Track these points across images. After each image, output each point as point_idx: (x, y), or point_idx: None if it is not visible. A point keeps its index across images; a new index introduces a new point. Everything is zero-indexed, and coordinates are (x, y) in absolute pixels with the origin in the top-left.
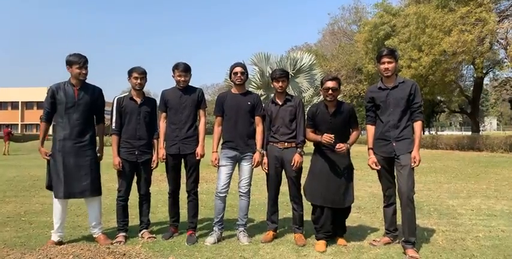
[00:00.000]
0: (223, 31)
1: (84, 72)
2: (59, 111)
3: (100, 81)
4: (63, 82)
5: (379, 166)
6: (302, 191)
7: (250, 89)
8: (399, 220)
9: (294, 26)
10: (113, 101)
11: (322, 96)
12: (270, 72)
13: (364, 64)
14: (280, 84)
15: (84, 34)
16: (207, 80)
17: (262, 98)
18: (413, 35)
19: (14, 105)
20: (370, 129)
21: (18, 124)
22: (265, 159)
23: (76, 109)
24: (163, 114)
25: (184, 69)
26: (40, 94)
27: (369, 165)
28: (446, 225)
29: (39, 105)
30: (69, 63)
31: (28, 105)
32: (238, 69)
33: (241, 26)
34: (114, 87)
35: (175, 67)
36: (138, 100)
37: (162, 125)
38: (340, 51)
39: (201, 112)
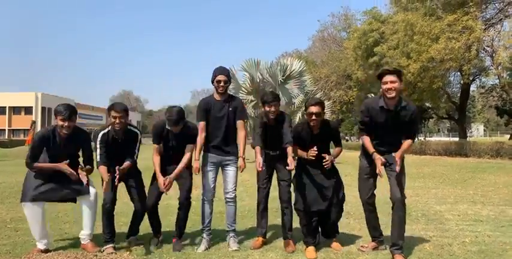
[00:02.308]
0: (212, 36)
1: (66, 124)
2: (44, 154)
3: (95, 79)
4: (51, 128)
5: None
6: (294, 206)
7: (240, 95)
8: (383, 226)
9: (284, 33)
10: (97, 136)
11: None
12: (261, 77)
13: (354, 70)
14: (272, 108)
15: (74, 36)
16: (197, 85)
17: (252, 104)
18: (401, 42)
19: (1, 110)
20: (367, 138)
21: (5, 129)
22: (259, 158)
23: (61, 156)
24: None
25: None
26: (28, 99)
27: (379, 170)
28: (434, 231)
29: (26, 110)
30: (55, 113)
31: (15, 110)
32: (221, 77)
33: (231, 32)
34: (109, 84)
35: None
36: (119, 137)
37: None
38: (330, 58)
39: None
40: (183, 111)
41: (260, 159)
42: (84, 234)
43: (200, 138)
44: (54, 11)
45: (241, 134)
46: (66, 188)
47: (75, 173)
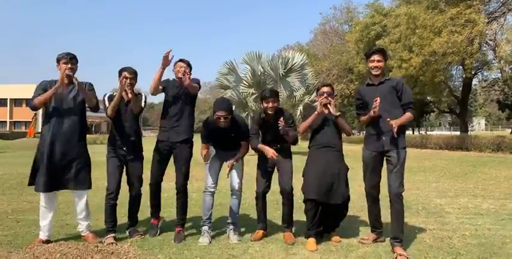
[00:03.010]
0: (213, 29)
1: (70, 66)
2: (48, 106)
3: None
4: (54, 80)
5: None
6: (301, 190)
7: (241, 88)
8: (383, 218)
9: (286, 25)
10: (104, 98)
11: (312, 96)
12: (262, 71)
13: (355, 64)
14: (270, 104)
15: (75, 30)
16: (199, 78)
17: (253, 97)
18: (403, 35)
19: (3, 102)
20: (363, 116)
21: (6, 121)
22: (268, 148)
23: (65, 104)
24: None
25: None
26: (29, 91)
27: (374, 109)
28: (434, 224)
29: (28, 102)
30: (57, 60)
31: (17, 102)
32: (221, 113)
33: (232, 25)
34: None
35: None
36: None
37: None
38: (331, 51)
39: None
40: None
41: (270, 149)
42: (82, 227)
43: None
44: (54, 4)
45: (242, 150)
46: (70, 178)
47: (66, 75)
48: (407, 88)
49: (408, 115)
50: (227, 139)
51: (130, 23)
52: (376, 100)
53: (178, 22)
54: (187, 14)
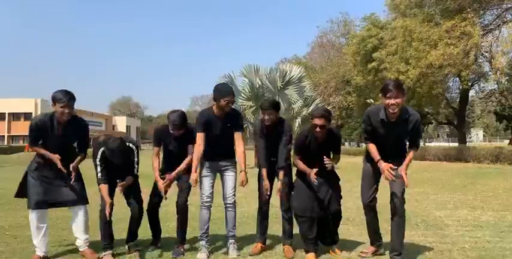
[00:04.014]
0: (212, 42)
1: (67, 111)
2: (42, 142)
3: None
4: (49, 115)
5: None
6: (291, 205)
7: (239, 100)
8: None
9: (283, 39)
10: (97, 154)
11: (311, 108)
12: (260, 83)
13: (353, 76)
14: (266, 116)
15: (74, 43)
16: (197, 91)
17: (251, 109)
18: (400, 47)
19: (1, 116)
20: (372, 145)
21: (4, 136)
22: (266, 183)
23: (59, 143)
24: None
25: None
26: (27, 105)
27: (386, 176)
28: (433, 236)
29: (26, 116)
30: (54, 100)
31: (15, 116)
32: (232, 98)
33: (230, 37)
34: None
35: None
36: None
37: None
38: (329, 64)
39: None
40: (185, 114)
41: (268, 184)
42: (81, 241)
43: (198, 149)
44: (54, 17)
45: (239, 149)
46: (65, 195)
47: (64, 170)
48: (421, 128)
49: (412, 155)
50: (224, 135)
51: (130, 38)
52: (389, 177)
53: (177, 38)
54: (186, 30)
